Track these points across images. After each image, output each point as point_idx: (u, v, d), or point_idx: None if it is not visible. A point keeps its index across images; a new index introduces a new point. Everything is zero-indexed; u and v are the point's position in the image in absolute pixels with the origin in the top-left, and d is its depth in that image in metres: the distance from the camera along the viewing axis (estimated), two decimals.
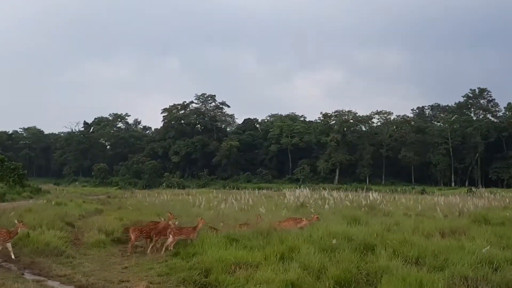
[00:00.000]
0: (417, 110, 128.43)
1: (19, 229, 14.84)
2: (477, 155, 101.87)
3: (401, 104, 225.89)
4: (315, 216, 19.17)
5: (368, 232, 14.75)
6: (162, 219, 16.91)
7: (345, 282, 9.89)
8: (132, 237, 15.96)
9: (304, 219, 18.57)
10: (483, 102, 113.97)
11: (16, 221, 15.39)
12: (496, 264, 10.71)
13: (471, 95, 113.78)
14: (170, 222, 16.16)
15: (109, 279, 11.91)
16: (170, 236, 15.36)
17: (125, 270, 13.18)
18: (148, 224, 17.26)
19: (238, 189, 57.63)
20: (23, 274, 12.28)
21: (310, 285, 9.67)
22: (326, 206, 29.29)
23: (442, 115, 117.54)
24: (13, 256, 13.92)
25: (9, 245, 14.17)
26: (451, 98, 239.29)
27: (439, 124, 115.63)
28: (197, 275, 11.49)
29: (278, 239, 14.06)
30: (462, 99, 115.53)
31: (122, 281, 11.64)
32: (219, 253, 12.56)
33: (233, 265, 11.59)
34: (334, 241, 13.05)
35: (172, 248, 15.30)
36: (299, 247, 12.63)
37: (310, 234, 14.60)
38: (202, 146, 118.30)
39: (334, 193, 41.47)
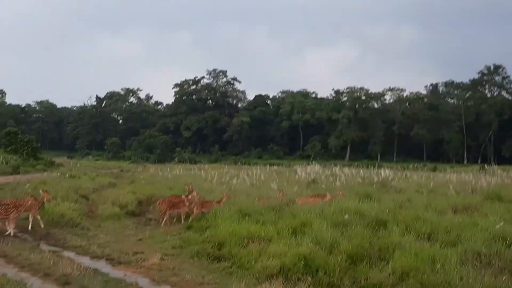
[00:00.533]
0: (430, 87, 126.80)
1: (45, 198, 15.09)
2: (491, 132, 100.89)
3: (415, 81, 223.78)
4: (341, 192, 19.22)
5: (380, 208, 14.76)
6: (187, 190, 16.91)
7: (358, 257, 9.92)
8: (162, 209, 16.02)
9: (328, 195, 18.60)
10: (498, 79, 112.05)
11: (41, 191, 15.67)
12: (509, 241, 10.67)
13: (485, 71, 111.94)
14: (194, 194, 16.37)
15: (124, 251, 12.09)
16: (194, 209, 15.59)
17: (140, 242, 13.37)
18: (174, 197, 17.23)
19: (249, 165, 57.73)
20: (38, 245, 12.47)
21: (322, 259, 9.72)
22: (338, 182, 29.32)
23: (456, 92, 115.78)
24: (30, 227, 14.14)
25: (36, 214, 14.39)
26: (466, 75, 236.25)
27: (452, 101, 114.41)
28: (210, 248, 11.62)
29: (291, 214, 14.16)
30: (476, 76, 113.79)
31: (137, 253, 11.80)
32: (232, 227, 12.65)
33: (246, 238, 11.67)
34: (346, 217, 13.09)
35: (183, 221, 15.52)
36: (311, 222, 12.67)
37: (322, 209, 14.65)
38: (213, 121, 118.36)
39: (346, 169, 41.39)
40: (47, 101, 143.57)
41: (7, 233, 13.30)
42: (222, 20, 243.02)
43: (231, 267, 10.39)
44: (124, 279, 9.50)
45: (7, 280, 7.40)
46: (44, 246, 12.36)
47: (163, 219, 15.81)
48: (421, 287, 7.91)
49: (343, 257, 9.83)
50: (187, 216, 15.80)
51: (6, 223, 13.62)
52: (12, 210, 13.60)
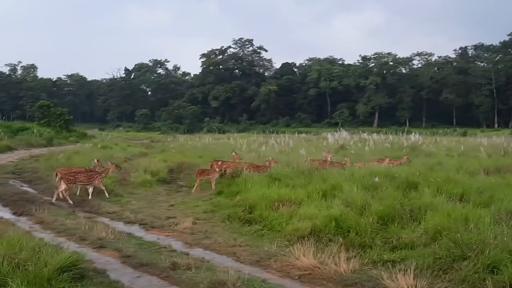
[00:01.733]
0: (459, 51, 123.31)
1: (111, 170, 15.95)
2: None
3: (443, 45, 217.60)
4: (406, 157, 19.21)
5: (411, 171, 14.63)
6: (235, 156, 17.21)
7: (389, 218, 9.87)
8: (217, 169, 16.31)
9: (387, 159, 19.05)
10: None
11: (109, 162, 16.41)
12: None
13: None
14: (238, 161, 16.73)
15: (157, 216, 12.34)
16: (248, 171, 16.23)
17: (172, 208, 13.63)
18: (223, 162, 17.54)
19: (277, 133, 57.67)
20: (74, 211, 12.82)
21: (353, 220, 9.73)
22: (366, 147, 29.19)
23: (486, 55, 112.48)
24: (107, 195, 14.94)
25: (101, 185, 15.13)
26: (496, 37, 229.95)
27: (482, 64, 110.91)
28: (241, 212, 11.75)
29: (321, 178, 14.17)
30: (507, 38, 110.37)
31: (169, 217, 12.03)
32: (262, 191, 12.75)
33: (277, 202, 11.76)
34: (376, 179, 13.04)
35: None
36: (341, 185, 12.65)
37: (352, 173, 14.62)
38: (241, 91, 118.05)
39: (374, 136, 41.10)
40: (77, 74, 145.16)
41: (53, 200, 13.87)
42: None
43: (262, 230, 10.51)
44: (158, 242, 9.70)
45: (44, 244, 7.63)
46: (79, 213, 12.68)
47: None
48: (455, 246, 7.82)
49: (374, 218, 9.80)
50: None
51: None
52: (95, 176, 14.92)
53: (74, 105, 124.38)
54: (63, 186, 14.14)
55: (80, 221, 11.27)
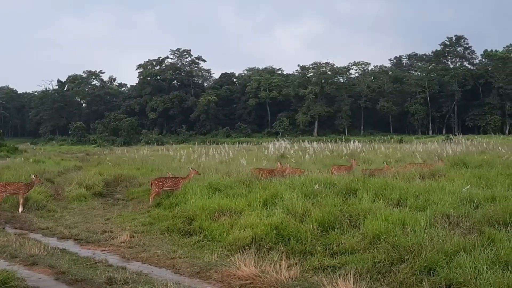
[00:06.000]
0: (394, 60, 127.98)
1: (35, 183, 15.24)
2: (454, 103, 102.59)
3: (380, 55, 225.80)
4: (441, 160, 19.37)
5: (350, 177, 14.85)
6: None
7: (329, 224, 9.96)
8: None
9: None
10: (459, 49, 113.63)
11: (32, 175, 15.60)
12: (476, 202, 10.86)
13: (448, 43, 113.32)
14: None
15: (92, 230, 11.91)
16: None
17: (108, 222, 13.21)
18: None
19: (217, 144, 57.37)
20: (4, 228, 12.19)
21: (294, 228, 9.73)
22: (307, 156, 29.45)
23: (419, 64, 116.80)
24: (21, 209, 14.23)
25: (23, 197, 14.55)
26: (429, 47, 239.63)
27: (416, 73, 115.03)
28: (181, 223, 11.56)
29: (261, 186, 14.12)
30: (439, 48, 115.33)
31: (105, 232, 11.65)
32: (202, 202, 12.63)
33: (217, 212, 11.65)
34: (316, 187, 13.12)
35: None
36: (281, 193, 12.68)
37: (292, 181, 14.64)
38: (180, 101, 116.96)
39: (314, 144, 41.63)
40: (7, 86, 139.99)
41: None
42: None
43: (203, 241, 10.36)
44: (93, 257, 9.35)
45: None
46: (10, 229, 12.09)
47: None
48: (392, 249, 7.96)
49: (314, 225, 9.88)
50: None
51: None
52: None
53: (4, 119, 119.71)
54: None
55: (10, 238, 10.77)
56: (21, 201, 14.31)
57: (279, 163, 20.05)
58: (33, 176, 15.37)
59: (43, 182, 17.72)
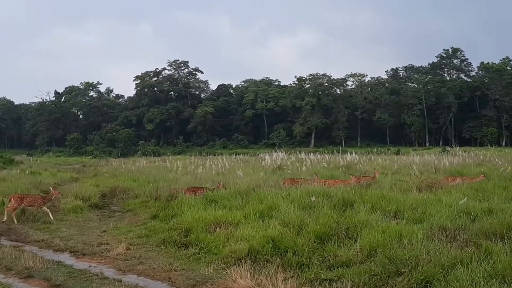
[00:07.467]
0: (391, 72, 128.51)
1: (54, 195, 15.57)
2: (451, 114, 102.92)
3: (376, 66, 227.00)
4: (482, 175, 19.12)
5: (346, 189, 14.83)
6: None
7: (326, 236, 9.93)
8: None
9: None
10: (456, 62, 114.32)
11: (51, 188, 15.91)
12: (473, 215, 10.84)
13: (444, 55, 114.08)
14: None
15: (88, 242, 11.84)
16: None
17: (104, 234, 13.13)
18: None
19: (214, 155, 57.34)
20: None
21: (290, 240, 9.69)
22: (304, 167, 29.41)
23: (416, 76, 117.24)
24: (51, 217, 14.72)
25: (44, 208, 15.00)
26: (425, 59, 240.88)
27: (413, 85, 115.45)
28: (177, 235, 11.51)
29: (257, 198, 14.08)
30: (435, 60, 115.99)
31: (101, 244, 11.58)
32: (198, 214, 12.57)
33: (213, 224, 11.60)
34: (313, 199, 13.09)
35: None
36: (278, 205, 12.64)
37: (289, 193, 14.62)
38: (177, 113, 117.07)
39: (311, 155, 41.63)
40: (4, 98, 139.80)
41: None
42: (183, 10, 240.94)
43: (199, 253, 10.31)
44: (89, 269, 9.31)
45: None
46: (5, 242, 12.02)
47: None
48: (389, 262, 7.93)
49: (311, 238, 9.84)
50: None
51: None
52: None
53: (0, 130, 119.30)
54: None
55: (6, 250, 10.69)
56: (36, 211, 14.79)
57: (315, 175, 20.53)
58: (51, 189, 15.37)
59: (62, 194, 17.78)
